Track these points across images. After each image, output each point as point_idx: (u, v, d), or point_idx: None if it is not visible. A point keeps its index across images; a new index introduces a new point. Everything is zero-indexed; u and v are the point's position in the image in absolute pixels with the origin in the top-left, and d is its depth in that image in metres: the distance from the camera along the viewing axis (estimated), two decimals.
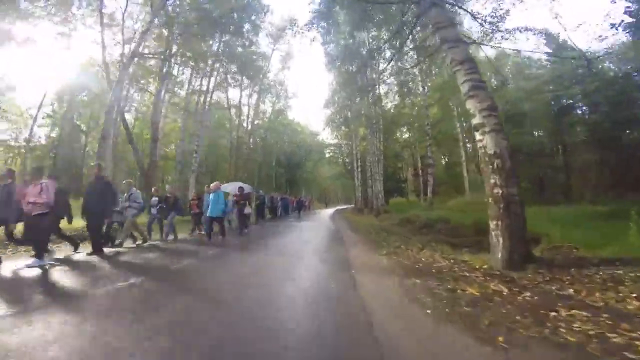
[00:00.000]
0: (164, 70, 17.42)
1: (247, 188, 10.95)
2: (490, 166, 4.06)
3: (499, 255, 3.91)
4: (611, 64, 17.35)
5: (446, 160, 30.12)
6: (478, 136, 4.34)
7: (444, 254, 5.36)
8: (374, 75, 16.87)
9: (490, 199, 4.06)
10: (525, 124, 21.81)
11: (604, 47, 15.03)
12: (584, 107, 18.84)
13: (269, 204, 15.36)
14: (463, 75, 4.94)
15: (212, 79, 20.44)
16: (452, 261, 4.59)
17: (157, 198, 7.59)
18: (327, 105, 25.64)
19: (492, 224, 4.03)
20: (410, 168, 31.42)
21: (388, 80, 16.04)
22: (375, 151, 18.95)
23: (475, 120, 4.43)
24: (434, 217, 10.51)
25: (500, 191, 3.94)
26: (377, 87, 17.45)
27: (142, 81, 21.20)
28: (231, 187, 11.49)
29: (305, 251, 6.17)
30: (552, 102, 19.25)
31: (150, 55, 17.24)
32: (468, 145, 25.29)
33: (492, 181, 4.02)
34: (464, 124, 24.36)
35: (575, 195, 15.96)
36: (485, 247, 6.57)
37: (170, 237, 7.57)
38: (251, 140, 28.05)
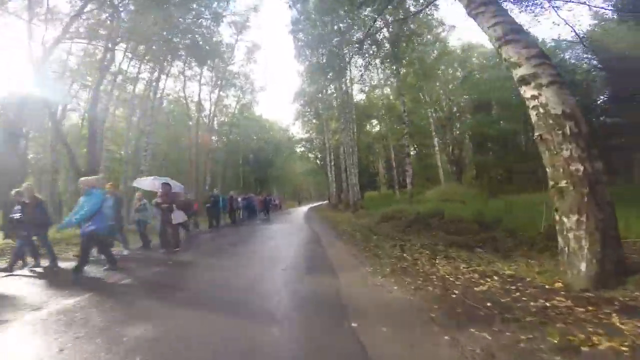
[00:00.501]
0: (105, 61, 14.61)
1: (175, 186, 7.49)
2: (560, 132, 2.67)
3: (583, 267, 2.56)
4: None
5: (416, 151, 29.67)
6: (530, 92, 2.95)
7: (470, 264, 3.96)
8: (345, 62, 15.47)
9: (563, 182, 2.67)
10: (492, 114, 21.90)
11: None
12: None
13: (227, 205, 12.33)
14: (490, 17, 3.58)
15: (165, 69, 17.98)
16: (496, 278, 3.16)
17: (19, 206, 5.01)
18: (297, 98, 24.08)
19: (567, 221, 2.65)
20: (382, 160, 30.73)
21: (362, 62, 14.53)
22: (349, 142, 17.66)
23: (522, 71, 3.04)
24: (425, 211, 9.20)
25: (582, 167, 2.57)
26: (349, 65, 15.84)
27: (89, 78, 18.12)
28: (148, 183, 7.94)
29: (268, 281, 3.84)
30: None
31: (80, 41, 14.41)
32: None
33: (566, 154, 2.63)
34: (434, 114, 23.92)
35: (545, 182, 15.93)
36: (506, 248, 5.36)
37: (41, 265, 4.99)
38: (214, 137, 25.62)
